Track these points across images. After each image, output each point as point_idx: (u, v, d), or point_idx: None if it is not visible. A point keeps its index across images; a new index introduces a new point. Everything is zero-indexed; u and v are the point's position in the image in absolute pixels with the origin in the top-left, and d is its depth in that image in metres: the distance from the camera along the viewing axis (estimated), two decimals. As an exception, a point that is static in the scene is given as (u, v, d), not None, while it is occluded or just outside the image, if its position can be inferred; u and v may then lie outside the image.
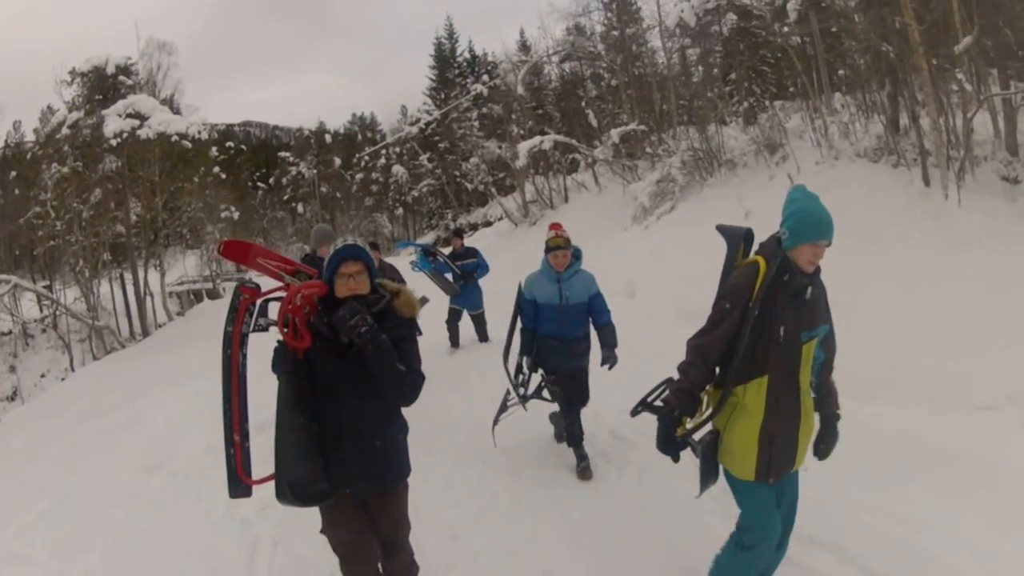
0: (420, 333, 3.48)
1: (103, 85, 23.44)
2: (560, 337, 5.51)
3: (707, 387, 3.31)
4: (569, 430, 5.61)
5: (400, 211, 47.75)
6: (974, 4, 9.88)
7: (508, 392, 5.88)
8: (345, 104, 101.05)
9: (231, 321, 3.39)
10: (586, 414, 5.74)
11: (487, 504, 5.13)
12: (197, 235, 30.96)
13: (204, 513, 5.41)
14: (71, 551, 5.11)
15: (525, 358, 5.71)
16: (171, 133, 21.87)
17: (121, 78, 23.67)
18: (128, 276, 24.26)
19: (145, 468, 6.63)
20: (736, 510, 3.39)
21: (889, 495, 4.43)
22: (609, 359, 5.50)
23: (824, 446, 3.45)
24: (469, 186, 37.63)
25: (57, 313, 21.50)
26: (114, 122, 20.78)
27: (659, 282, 11.15)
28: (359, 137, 53.21)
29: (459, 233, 11.53)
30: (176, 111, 25.01)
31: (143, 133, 21.15)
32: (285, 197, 48.73)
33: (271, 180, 49.82)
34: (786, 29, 16.08)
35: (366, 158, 47.04)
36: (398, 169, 44.12)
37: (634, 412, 3.56)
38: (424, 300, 5.94)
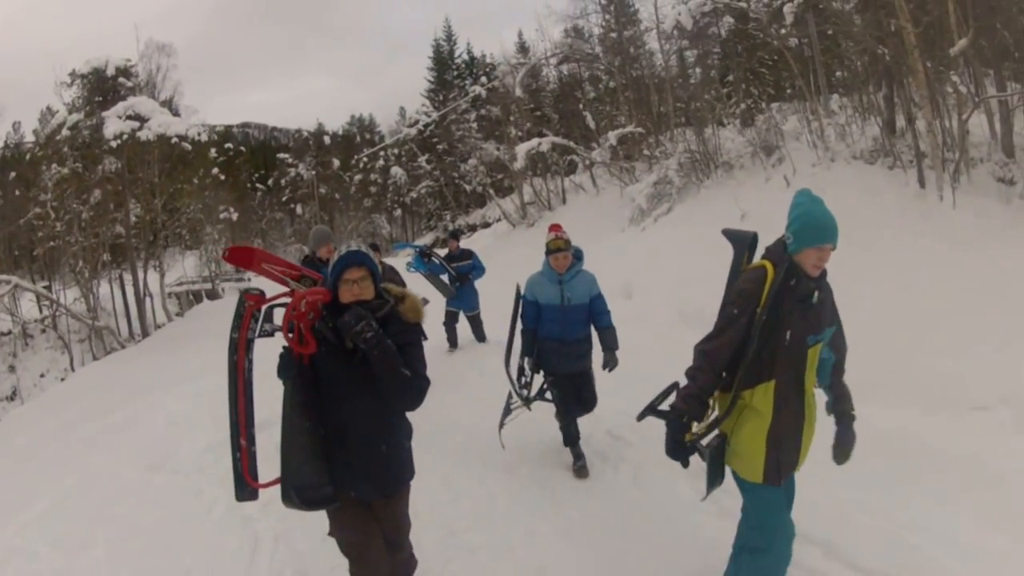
0: (425, 338, 3.48)
1: (103, 87, 23.49)
2: (561, 339, 5.50)
3: (714, 391, 3.32)
4: (566, 430, 5.63)
5: (399, 212, 47.74)
6: (969, 6, 9.95)
7: (510, 395, 5.88)
8: (343, 106, 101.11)
9: (236, 327, 3.40)
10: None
11: (485, 501, 5.17)
12: (196, 236, 31.03)
13: (205, 510, 5.47)
14: (74, 547, 5.17)
15: (527, 359, 5.70)
16: (171, 135, 21.93)
17: (121, 80, 23.72)
18: (127, 277, 24.32)
19: (146, 466, 6.69)
20: (730, 508, 3.45)
21: (881, 494, 4.47)
22: (610, 362, 5.55)
23: (843, 449, 3.45)
24: (467, 187, 37.66)
25: (57, 313, 21.55)
26: (114, 124, 20.85)
27: (656, 283, 11.20)
28: (358, 139, 53.18)
29: (455, 235, 11.60)
30: (175, 113, 25.06)
31: (143, 135, 21.22)
32: (284, 198, 48.73)
33: (270, 181, 49.83)
34: (783, 31, 16.14)
35: (365, 159, 47.06)
36: (397, 170, 44.14)
37: (640, 417, 3.55)
38: (424, 301, 5.98)
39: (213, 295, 30.69)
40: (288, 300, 3.34)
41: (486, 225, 33.77)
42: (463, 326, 10.33)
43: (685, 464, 3.30)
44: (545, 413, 5.97)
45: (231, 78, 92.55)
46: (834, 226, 3.10)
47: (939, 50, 10.56)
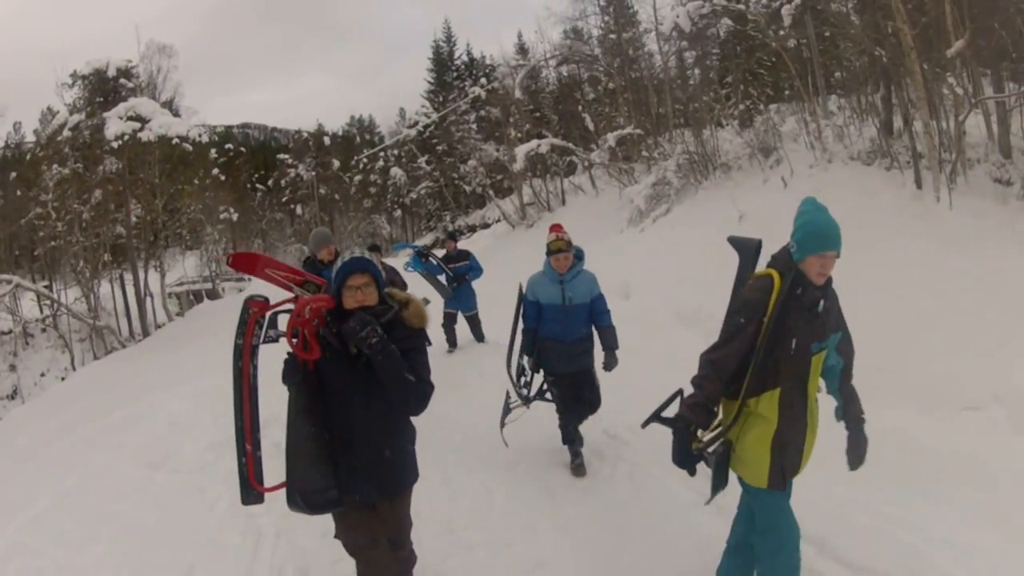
0: (430, 343, 3.51)
1: (104, 88, 23.54)
2: (562, 339, 5.52)
3: (720, 400, 3.35)
4: (565, 429, 5.68)
5: (398, 213, 47.75)
6: (966, 7, 9.99)
7: (508, 394, 5.91)
8: (343, 106, 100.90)
9: (241, 334, 3.41)
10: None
11: (483, 499, 5.22)
12: (197, 236, 31.09)
13: (208, 507, 5.50)
14: (78, 543, 5.20)
15: (527, 358, 5.74)
16: (172, 136, 21.97)
17: (122, 81, 23.77)
18: (128, 277, 24.37)
19: (148, 465, 6.69)
20: (725, 506, 3.50)
21: (875, 493, 4.50)
22: (610, 362, 5.61)
23: (857, 453, 3.47)
24: (467, 188, 37.67)
25: (58, 313, 21.60)
26: (115, 124, 20.89)
27: (654, 284, 11.26)
28: (357, 139, 53.18)
29: (453, 236, 11.67)
30: (176, 113, 25.10)
31: (144, 136, 21.26)
32: (284, 199, 48.68)
33: (270, 182, 49.78)
34: (782, 33, 16.18)
35: (364, 160, 47.06)
36: (396, 171, 44.13)
37: (645, 424, 3.59)
38: (425, 301, 6.01)
39: (213, 295, 30.78)
40: (292, 306, 3.36)
41: (486, 226, 33.80)
42: (462, 327, 10.39)
43: (692, 472, 3.34)
44: (544, 412, 6.02)
45: (231, 78, 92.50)
46: (837, 234, 3.12)
47: (936, 51, 10.60)
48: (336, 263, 3.40)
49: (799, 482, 3.58)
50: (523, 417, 5.89)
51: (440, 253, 10.85)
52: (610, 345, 5.63)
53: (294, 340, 3.22)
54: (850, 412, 3.45)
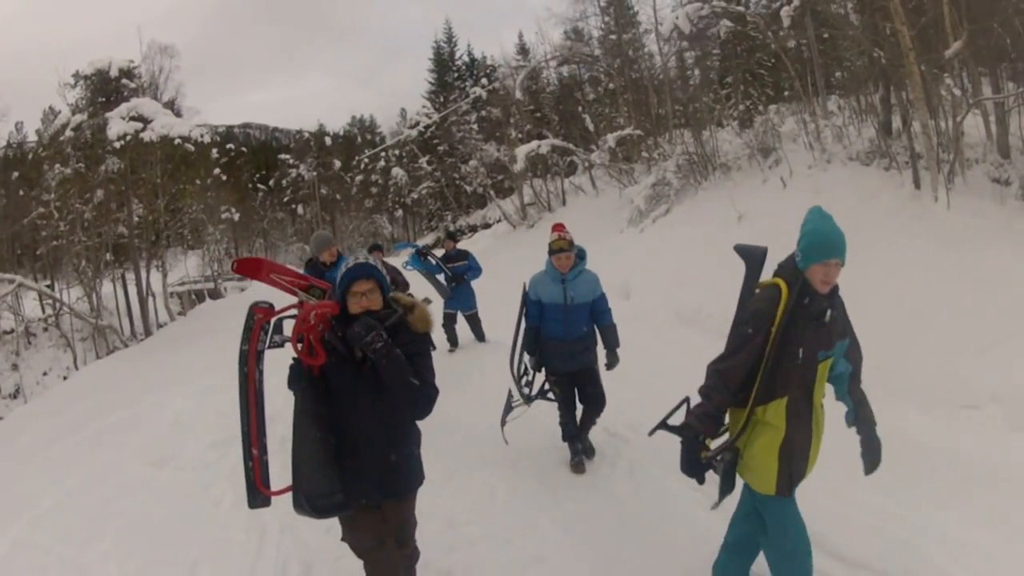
0: (434, 348, 3.53)
1: (106, 88, 23.54)
2: (563, 338, 5.54)
3: (728, 409, 3.39)
4: (565, 427, 5.72)
5: (400, 213, 47.77)
6: (964, 7, 10.03)
7: (511, 393, 5.94)
8: (344, 106, 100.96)
9: (246, 340, 3.44)
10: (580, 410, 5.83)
11: (485, 495, 5.28)
12: (198, 236, 31.10)
13: (212, 503, 5.57)
14: (82, 540, 5.25)
15: (528, 357, 5.77)
16: (174, 136, 22.01)
17: (124, 81, 23.79)
18: (130, 276, 24.40)
19: (152, 463, 6.74)
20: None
21: (871, 490, 4.44)
22: (612, 362, 5.66)
23: (872, 457, 3.49)
24: (468, 188, 37.70)
25: (60, 312, 21.64)
26: (117, 125, 20.91)
27: (654, 283, 11.30)
28: (358, 139, 53.21)
29: (452, 236, 11.73)
30: (178, 114, 25.11)
31: (146, 136, 21.28)
32: (285, 199, 48.75)
33: (271, 182, 49.85)
34: (782, 33, 16.22)
35: (366, 160, 47.06)
36: (397, 171, 44.13)
37: (652, 432, 3.63)
38: (427, 301, 6.04)
39: (215, 294, 30.80)
40: (296, 312, 3.41)
41: (486, 226, 33.80)
42: (463, 326, 10.44)
43: (701, 481, 3.36)
44: (544, 410, 6.06)
45: (232, 78, 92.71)
46: (841, 242, 3.15)
47: (935, 52, 10.64)
48: (340, 267, 3.43)
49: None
50: (524, 416, 5.93)
51: (439, 253, 10.89)
52: (611, 344, 5.67)
53: (299, 346, 3.24)
54: (861, 416, 3.48)
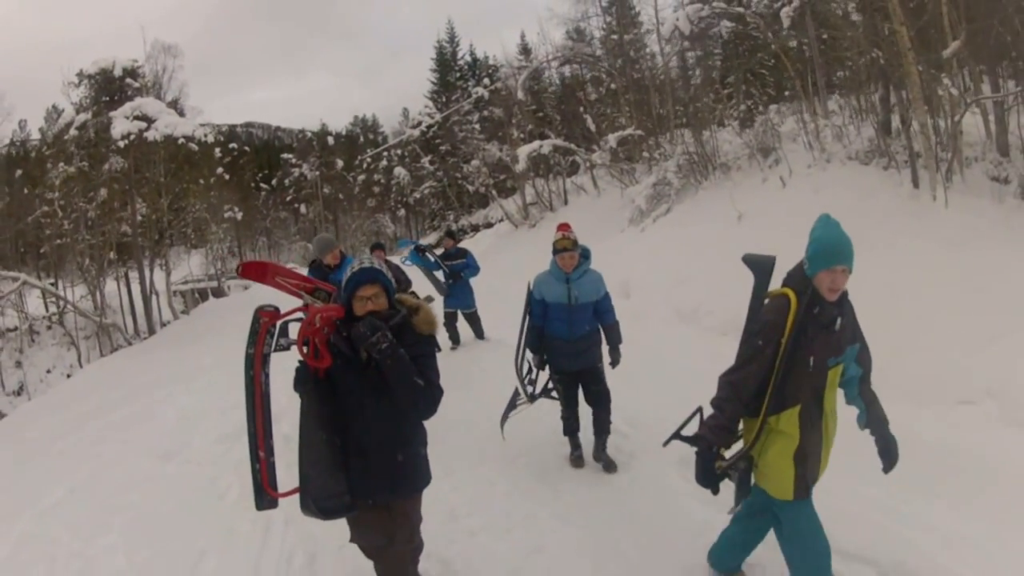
0: (439, 349, 3.54)
1: (110, 87, 23.63)
2: (567, 337, 5.54)
3: (740, 420, 3.41)
4: (566, 422, 5.78)
5: (402, 212, 47.89)
6: (963, 7, 10.08)
7: (516, 391, 5.97)
8: (346, 105, 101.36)
9: (252, 343, 3.43)
10: (580, 407, 5.86)
11: (485, 488, 5.35)
12: (202, 235, 31.19)
13: (218, 496, 5.65)
14: (90, 532, 5.35)
15: (532, 356, 5.80)
16: (177, 136, 22.09)
17: (128, 80, 23.87)
18: (133, 275, 24.50)
19: (159, 456, 6.83)
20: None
21: (866, 482, 4.55)
22: (615, 359, 5.70)
23: (889, 456, 3.49)
24: (470, 188, 37.75)
25: (64, 310, 21.74)
26: (121, 124, 20.99)
27: (653, 282, 11.35)
28: (361, 139, 53.41)
29: (451, 234, 11.80)
30: (181, 113, 25.20)
31: (150, 135, 21.37)
32: (288, 198, 48.93)
33: (274, 181, 50.02)
34: (783, 34, 16.27)
35: (368, 160, 47.20)
36: (400, 171, 44.27)
37: (666, 443, 3.63)
38: (429, 299, 6.07)
39: (219, 293, 30.92)
40: (302, 315, 3.41)
41: (488, 225, 33.89)
42: (463, 324, 10.53)
43: (715, 491, 3.40)
44: (545, 408, 6.10)
45: (233, 78, 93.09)
46: (847, 249, 3.14)
47: (933, 52, 10.68)
48: (345, 268, 3.43)
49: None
50: (525, 413, 5.99)
51: (439, 251, 10.99)
52: (614, 342, 5.69)
53: (305, 349, 3.26)
54: (872, 415, 3.50)
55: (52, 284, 23.00)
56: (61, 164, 21.92)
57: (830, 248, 3.13)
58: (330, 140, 50.28)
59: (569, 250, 5.51)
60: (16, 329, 21.21)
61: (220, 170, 28.06)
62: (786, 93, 20.10)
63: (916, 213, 9.44)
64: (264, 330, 3.45)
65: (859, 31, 12.66)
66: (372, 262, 3.42)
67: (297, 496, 3.34)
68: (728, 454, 3.43)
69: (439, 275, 10.40)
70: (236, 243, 43.27)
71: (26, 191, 23.57)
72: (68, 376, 19.13)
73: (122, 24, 70.92)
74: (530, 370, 5.85)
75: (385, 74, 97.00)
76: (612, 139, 21.88)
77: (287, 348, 3.49)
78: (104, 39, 64.52)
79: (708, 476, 3.35)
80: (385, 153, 46.87)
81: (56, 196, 21.71)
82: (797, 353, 3.15)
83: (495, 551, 4.42)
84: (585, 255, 5.64)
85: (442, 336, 9.79)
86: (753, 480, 3.48)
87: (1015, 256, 7.75)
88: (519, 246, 22.15)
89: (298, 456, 3.29)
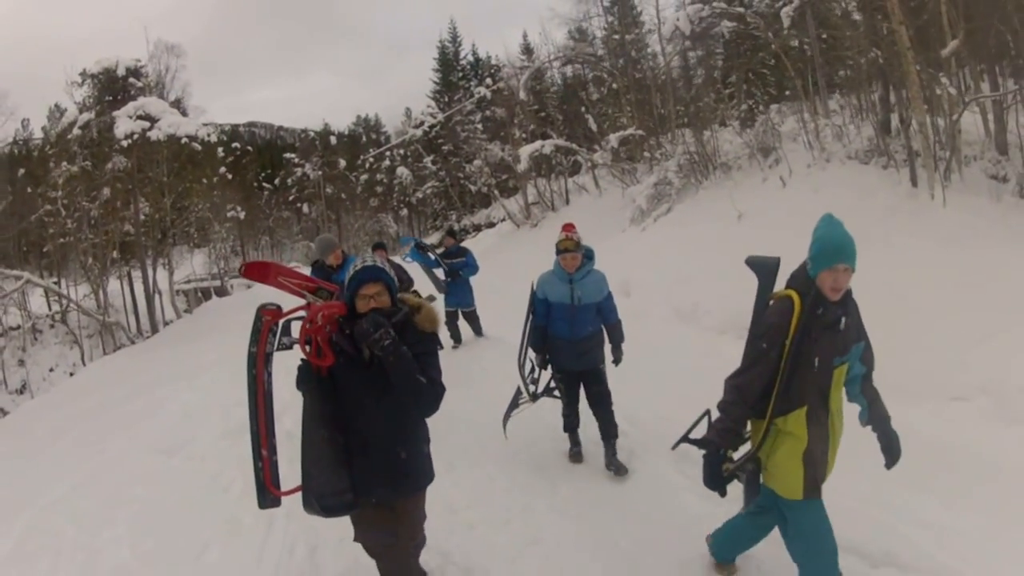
0: (441, 347, 3.52)
1: (113, 87, 23.73)
2: (569, 338, 5.55)
3: (747, 422, 3.44)
4: (567, 418, 5.82)
5: (405, 212, 47.93)
6: (961, 6, 10.12)
7: (519, 390, 5.98)
8: (348, 105, 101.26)
9: (255, 342, 3.43)
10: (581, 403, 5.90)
11: (484, 483, 5.40)
12: (204, 234, 31.28)
13: (222, 490, 5.70)
14: (96, 524, 5.40)
15: (535, 355, 5.81)
16: (181, 135, 22.18)
17: (131, 80, 23.97)
18: (136, 274, 24.59)
19: (164, 451, 6.87)
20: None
21: (859, 477, 4.54)
22: (618, 357, 5.75)
23: (891, 452, 3.50)
24: (472, 188, 37.81)
25: (67, 309, 21.83)
26: (125, 123, 21.09)
27: (654, 281, 11.38)
28: (363, 139, 53.45)
29: (452, 233, 11.85)
30: (184, 113, 25.28)
31: (153, 135, 21.46)
32: (291, 198, 48.98)
33: (276, 181, 50.08)
34: (784, 33, 16.29)
35: (371, 160, 47.24)
36: (402, 171, 44.30)
37: (675, 446, 3.65)
38: (431, 299, 6.11)
39: (222, 292, 31.00)
40: (304, 313, 3.39)
41: (491, 225, 33.90)
42: (463, 323, 10.60)
43: (723, 494, 3.40)
44: (546, 406, 6.14)
45: (235, 77, 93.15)
46: (849, 247, 3.13)
47: (933, 51, 10.72)
48: (347, 267, 3.45)
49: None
50: (526, 411, 6.03)
51: (440, 250, 11.06)
52: (617, 340, 5.74)
53: (307, 347, 3.25)
54: (875, 413, 3.51)
55: (55, 283, 23.09)
56: (64, 163, 22.00)
57: (831, 247, 3.12)
58: (333, 140, 50.30)
59: (571, 251, 5.51)
60: (19, 328, 21.30)
61: (223, 170, 28.16)
62: (787, 93, 20.14)
63: (914, 212, 9.49)
64: (266, 329, 3.45)
65: (860, 30, 12.70)
66: (375, 260, 3.42)
67: (301, 501, 3.34)
68: (736, 456, 3.43)
69: (439, 273, 10.48)
70: (239, 242, 43.42)
71: (29, 190, 23.65)
72: (71, 374, 19.27)
73: (123, 23, 71.11)
74: (533, 369, 5.86)
75: (387, 74, 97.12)
76: (613, 139, 21.93)
77: (289, 347, 3.49)
78: (105, 38, 64.72)
79: (716, 479, 3.35)
80: (388, 153, 46.89)
81: (59, 195, 21.82)
82: (802, 354, 3.14)
83: (493, 543, 4.49)
84: (589, 256, 5.65)
85: (443, 335, 9.86)
86: (762, 480, 3.48)
87: (1011, 254, 7.82)
88: (521, 246, 22.19)
89: (301, 454, 3.29)
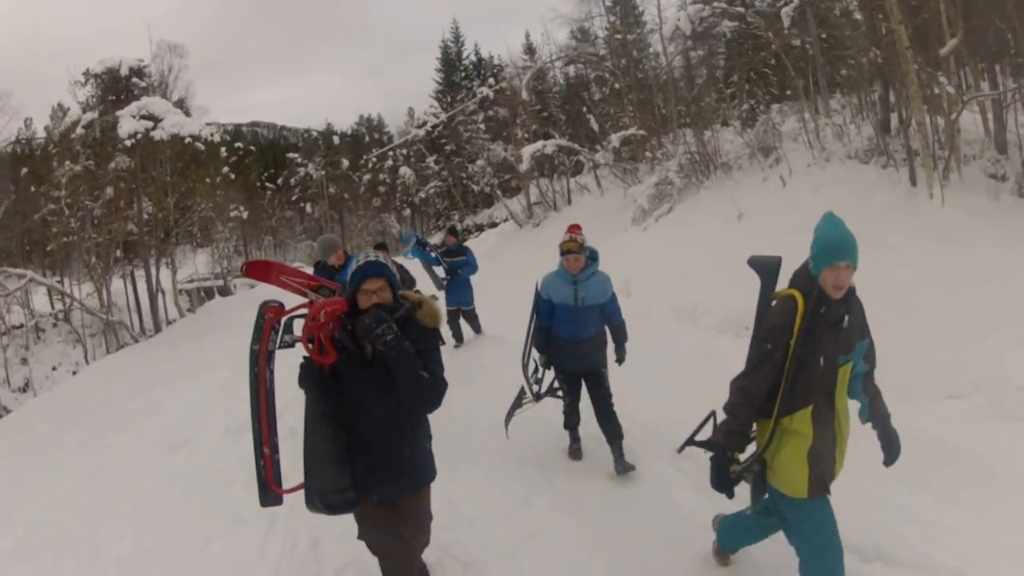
0: (443, 342, 3.53)
1: (116, 87, 23.78)
2: (571, 338, 5.56)
3: (753, 424, 3.41)
4: (568, 416, 5.87)
5: (408, 212, 47.93)
6: (960, 5, 10.14)
7: (522, 390, 6.00)
8: (351, 105, 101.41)
9: (257, 340, 3.41)
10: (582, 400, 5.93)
11: (483, 480, 5.46)
12: (208, 234, 31.31)
13: (226, 485, 5.76)
14: (99, 519, 5.48)
15: (538, 355, 5.83)
16: (184, 135, 22.24)
17: (134, 80, 24.03)
18: (139, 273, 24.66)
19: (167, 448, 6.95)
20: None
21: (850, 474, 4.46)
22: (621, 356, 5.79)
23: (891, 450, 3.50)
24: (475, 188, 37.80)
25: (71, 308, 21.90)
26: (128, 123, 21.15)
27: (654, 281, 11.43)
28: (366, 138, 53.46)
29: (453, 231, 11.89)
30: (187, 113, 25.34)
31: (157, 135, 21.53)
32: (294, 197, 49.00)
33: (279, 180, 50.11)
34: (785, 32, 16.31)
35: (373, 160, 47.24)
36: (405, 171, 44.27)
37: (681, 448, 3.66)
38: (434, 298, 6.14)
39: (225, 291, 31.04)
40: (306, 311, 3.37)
41: (493, 225, 33.89)
42: (463, 322, 10.67)
43: (730, 496, 3.38)
44: (547, 404, 6.15)
45: (238, 76, 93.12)
46: (850, 244, 3.10)
47: (932, 50, 10.74)
48: (349, 267, 3.45)
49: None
50: (527, 409, 6.06)
51: (441, 248, 11.13)
52: (620, 340, 5.77)
53: (310, 344, 3.24)
54: (875, 410, 3.49)
55: (58, 282, 23.16)
56: (67, 162, 22.07)
57: (833, 244, 3.10)
58: (335, 140, 50.30)
59: (575, 252, 5.51)
60: (22, 326, 21.37)
61: (226, 169, 28.16)
62: (787, 92, 20.16)
63: (912, 211, 9.52)
64: (269, 326, 3.44)
65: (861, 29, 12.72)
66: (377, 256, 3.42)
67: (304, 499, 3.34)
68: (742, 457, 3.42)
69: (439, 271, 10.54)
70: (242, 242, 43.45)
71: (33, 189, 23.74)
72: (73, 373, 19.31)
73: (126, 23, 71.05)
74: (536, 369, 5.88)
75: (390, 73, 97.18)
76: (615, 139, 21.97)
77: (291, 345, 3.48)
78: (108, 37, 64.64)
79: (723, 481, 3.34)
80: (390, 153, 46.87)
81: (63, 194, 21.88)
82: (806, 354, 3.13)
83: (492, 537, 4.55)
84: (593, 257, 5.66)
85: (445, 333, 9.90)
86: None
87: (1007, 253, 7.86)
88: (523, 245, 22.24)
89: (303, 452, 3.28)
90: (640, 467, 5.37)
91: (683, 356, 8.41)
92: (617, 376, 5.85)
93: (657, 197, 16.61)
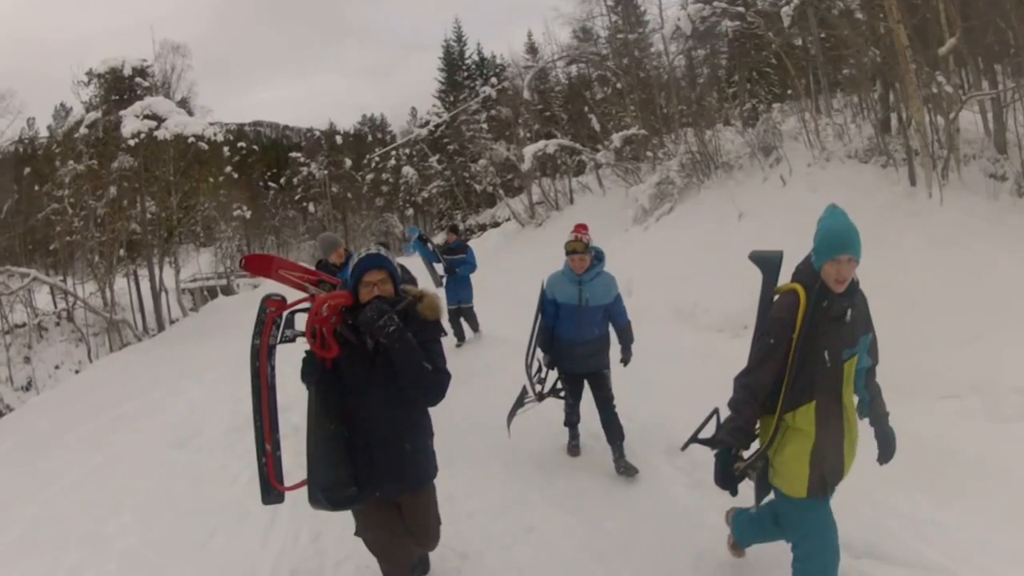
0: (444, 334, 3.54)
1: (120, 86, 23.86)
2: (575, 338, 5.55)
3: (757, 420, 3.38)
4: (569, 415, 5.91)
5: (410, 211, 47.93)
6: (958, 4, 10.15)
7: (524, 389, 6.02)
8: (354, 104, 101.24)
9: (258, 334, 3.40)
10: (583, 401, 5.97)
11: (483, 475, 5.52)
12: (211, 233, 31.36)
13: (229, 480, 5.85)
14: (104, 513, 5.56)
15: (542, 355, 5.85)
16: (187, 135, 22.31)
17: (138, 80, 24.10)
18: (143, 272, 24.72)
19: (172, 444, 7.04)
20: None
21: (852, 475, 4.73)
22: (626, 357, 5.80)
23: (886, 449, 3.50)
24: (478, 187, 37.79)
25: (74, 307, 21.96)
26: (132, 123, 21.21)
27: (655, 280, 11.43)
28: (369, 138, 53.47)
29: (454, 229, 11.95)
30: (190, 112, 25.40)
31: (160, 134, 21.59)
32: (296, 197, 48.96)
33: (282, 180, 50.12)
34: (787, 32, 16.31)
35: (376, 159, 47.26)
36: (408, 170, 44.25)
37: (685, 446, 3.59)
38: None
39: (228, 291, 31.11)
40: (309, 305, 3.37)
41: (495, 224, 33.87)
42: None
43: (734, 493, 3.38)
44: (548, 403, 6.17)
45: (241, 76, 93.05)
46: (852, 237, 3.08)
47: (931, 50, 10.75)
48: (351, 261, 3.46)
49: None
50: (529, 409, 6.10)
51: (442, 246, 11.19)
52: (626, 341, 5.78)
53: (312, 339, 3.24)
54: (875, 408, 3.50)
55: (62, 281, 23.23)
56: (71, 162, 22.14)
57: (834, 238, 3.08)
58: (338, 139, 50.29)
59: (580, 252, 5.52)
60: (25, 325, 21.43)
61: (229, 169, 28.24)
62: (788, 92, 20.16)
63: (911, 211, 9.50)
64: (270, 320, 3.43)
65: (862, 28, 12.73)
66: (378, 249, 3.44)
67: (307, 495, 3.37)
68: (746, 454, 3.40)
69: (438, 268, 10.59)
70: (245, 241, 43.52)
71: (36, 188, 23.81)
72: (76, 372, 19.34)
73: (129, 23, 71.08)
74: (540, 369, 5.89)
75: (393, 73, 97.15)
76: (616, 139, 22.00)
77: (292, 339, 3.49)
78: (111, 37, 64.73)
79: (727, 478, 3.34)
80: (393, 152, 46.87)
81: (66, 194, 21.95)
82: (810, 348, 3.11)
83: (490, 531, 4.63)
84: (599, 257, 5.66)
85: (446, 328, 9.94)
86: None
87: (1005, 253, 7.84)
88: (525, 245, 22.23)
89: (306, 448, 3.30)
90: (638, 465, 5.40)
91: (682, 355, 8.44)
92: (616, 375, 5.88)
93: (658, 197, 16.61)
